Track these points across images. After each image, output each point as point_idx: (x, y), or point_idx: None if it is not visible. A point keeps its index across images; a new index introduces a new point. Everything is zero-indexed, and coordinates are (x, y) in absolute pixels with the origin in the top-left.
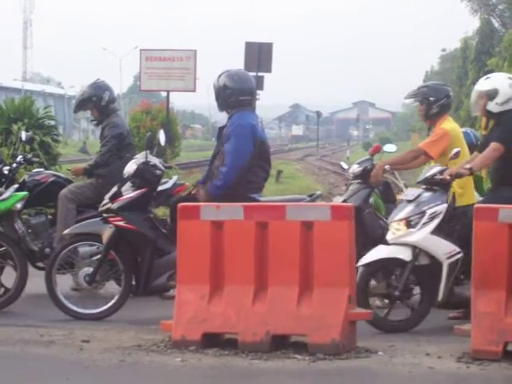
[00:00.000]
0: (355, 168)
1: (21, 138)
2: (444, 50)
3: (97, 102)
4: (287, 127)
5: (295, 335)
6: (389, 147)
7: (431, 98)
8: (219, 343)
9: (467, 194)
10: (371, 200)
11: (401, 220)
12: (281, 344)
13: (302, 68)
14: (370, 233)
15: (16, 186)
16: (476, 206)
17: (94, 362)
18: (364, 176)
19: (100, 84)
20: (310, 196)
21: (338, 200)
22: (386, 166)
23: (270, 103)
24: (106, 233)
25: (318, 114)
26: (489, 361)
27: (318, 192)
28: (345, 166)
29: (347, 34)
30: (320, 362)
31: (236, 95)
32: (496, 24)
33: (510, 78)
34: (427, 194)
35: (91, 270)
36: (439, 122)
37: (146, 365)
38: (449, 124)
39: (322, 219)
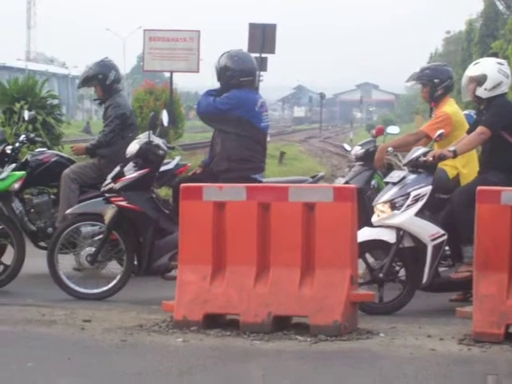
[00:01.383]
0: (358, 150)
1: (23, 117)
2: (448, 32)
3: (102, 80)
4: (290, 109)
5: (297, 316)
6: (392, 129)
7: (435, 80)
8: (221, 324)
9: (472, 173)
10: (373, 182)
11: (385, 202)
12: (282, 325)
13: (306, 49)
14: (371, 214)
15: (13, 165)
16: (478, 188)
17: (96, 341)
18: (366, 158)
19: (107, 62)
20: (313, 177)
21: (340, 182)
22: (389, 149)
23: (273, 84)
24: (109, 213)
25: (322, 95)
26: (490, 343)
27: (321, 173)
28: (348, 147)
29: (351, 15)
30: (321, 344)
31: (237, 76)
32: (500, 7)
33: (499, 63)
34: (412, 177)
35: (93, 249)
36: (442, 103)
37: (148, 345)
38: (450, 107)
39: (324, 201)
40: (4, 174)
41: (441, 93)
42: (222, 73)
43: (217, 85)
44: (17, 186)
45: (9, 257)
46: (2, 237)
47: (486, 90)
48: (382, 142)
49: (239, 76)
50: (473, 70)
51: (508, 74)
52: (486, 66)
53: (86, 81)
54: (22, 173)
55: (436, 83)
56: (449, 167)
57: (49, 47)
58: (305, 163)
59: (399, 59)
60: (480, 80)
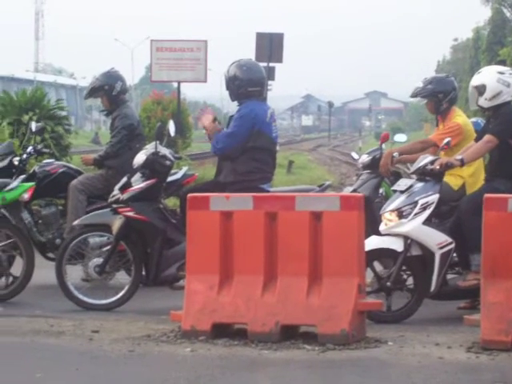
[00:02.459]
0: (365, 158)
1: (31, 128)
2: (456, 39)
3: (108, 90)
4: (299, 118)
5: (304, 325)
6: (399, 137)
7: (440, 95)
8: (229, 333)
9: (478, 182)
10: (381, 190)
11: (393, 211)
12: (290, 334)
13: (314, 58)
14: (379, 223)
15: (23, 176)
16: (486, 195)
17: (104, 352)
18: (373, 166)
19: (113, 73)
20: (320, 186)
21: (348, 190)
22: (394, 153)
23: (282, 94)
24: (116, 223)
25: (330, 104)
26: (498, 350)
27: (328, 182)
28: (355, 156)
29: (359, 24)
30: (329, 353)
31: (245, 86)
32: (508, 14)
33: (499, 72)
34: (419, 185)
35: (101, 260)
36: (450, 115)
37: (156, 355)
38: (461, 118)
39: (331, 209)
40: (13, 185)
41: (446, 106)
42: (231, 82)
43: (225, 94)
44: (26, 196)
45: (17, 268)
46: (12, 248)
47: (486, 99)
48: (388, 149)
49: (247, 86)
50: (474, 80)
51: (509, 83)
52: (486, 76)
53: (93, 92)
54: (32, 183)
55: (440, 98)
56: (454, 177)
57: (57, 58)
58: (313, 172)
59: (407, 67)
60: (480, 90)
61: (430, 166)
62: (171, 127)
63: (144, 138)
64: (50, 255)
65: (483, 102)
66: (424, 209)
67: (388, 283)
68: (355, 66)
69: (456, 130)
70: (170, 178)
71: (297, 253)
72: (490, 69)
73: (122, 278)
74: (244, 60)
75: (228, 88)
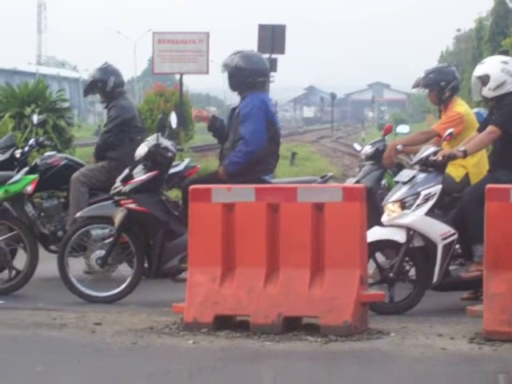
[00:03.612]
0: (367, 149)
1: (32, 121)
2: (459, 30)
3: (102, 87)
4: (302, 109)
5: (307, 317)
6: (402, 128)
7: (442, 83)
8: (231, 325)
9: (482, 173)
10: (384, 181)
11: (395, 202)
12: (292, 326)
13: (317, 49)
14: (382, 214)
15: (26, 168)
16: (488, 186)
17: (106, 344)
18: (376, 157)
19: (105, 69)
20: (322, 177)
21: (350, 181)
22: (398, 146)
23: (284, 85)
24: (118, 215)
25: (333, 95)
26: (501, 341)
27: (330, 173)
28: (358, 147)
29: (362, 15)
30: (332, 344)
31: (254, 76)
32: (510, 4)
33: (503, 61)
34: (422, 176)
35: (103, 252)
36: (451, 104)
37: (158, 347)
38: (462, 107)
39: (333, 201)
40: (17, 177)
41: (448, 94)
42: (238, 72)
43: (227, 87)
44: (29, 188)
45: (19, 261)
46: (14, 241)
47: (490, 89)
48: (392, 141)
49: (256, 76)
50: (478, 70)
51: None
52: (489, 66)
53: (88, 90)
54: (35, 176)
55: (443, 86)
56: (456, 167)
57: (60, 51)
58: (316, 163)
59: (410, 58)
60: (484, 80)
61: (432, 157)
62: (173, 119)
63: (145, 130)
64: (52, 248)
65: (487, 92)
66: (426, 200)
67: (390, 274)
68: (358, 57)
69: (457, 119)
70: (172, 170)
71: (299, 244)
72: (493, 59)
73: (125, 270)
74: (248, 51)
75: (233, 78)
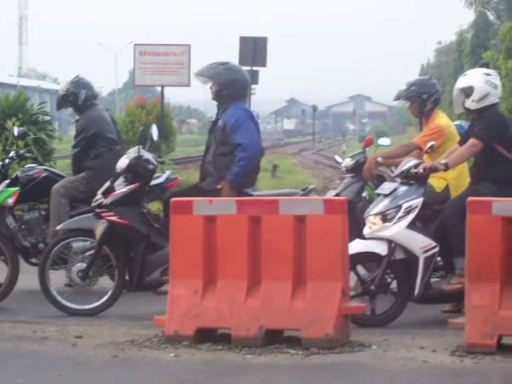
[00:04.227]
0: (348, 161)
1: (13, 133)
2: (440, 42)
3: (73, 101)
4: (283, 122)
5: (289, 330)
6: (383, 141)
7: (424, 96)
8: (212, 338)
9: (462, 185)
10: (365, 193)
11: (377, 214)
12: (274, 339)
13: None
14: (362, 226)
15: (7, 181)
16: (469, 199)
17: (87, 357)
18: (357, 169)
19: (76, 82)
20: (304, 190)
21: (331, 194)
22: (379, 159)
23: (266, 98)
24: (99, 228)
25: (314, 107)
26: (483, 354)
27: (312, 186)
28: (339, 159)
29: (343, 28)
30: (313, 357)
31: (242, 88)
32: (491, 17)
33: (486, 73)
34: (403, 188)
35: (84, 265)
36: (433, 117)
37: (139, 360)
38: (443, 119)
39: (314, 213)
40: None
41: (430, 107)
42: (229, 83)
43: (208, 99)
44: (11, 201)
45: (0, 274)
46: None
47: (473, 101)
48: (372, 153)
49: (242, 88)
50: (460, 82)
51: (496, 85)
52: (473, 78)
53: (60, 104)
54: (16, 188)
55: (424, 98)
56: (437, 179)
57: (41, 63)
58: (298, 176)
59: (391, 70)
60: (467, 92)
61: (413, 170)
62: (154, 131)
63: (121, 141)
64: (33, 260)
65: (470, 103)
66: (408, 212)
67: (372, 287)
68: (340, 69)
69: (437, 131)
70: (152, 182)
71: (281, 257)
72: (476, 71)
73: (106, 283)
74: (231, 63)
75: (224, 89)
